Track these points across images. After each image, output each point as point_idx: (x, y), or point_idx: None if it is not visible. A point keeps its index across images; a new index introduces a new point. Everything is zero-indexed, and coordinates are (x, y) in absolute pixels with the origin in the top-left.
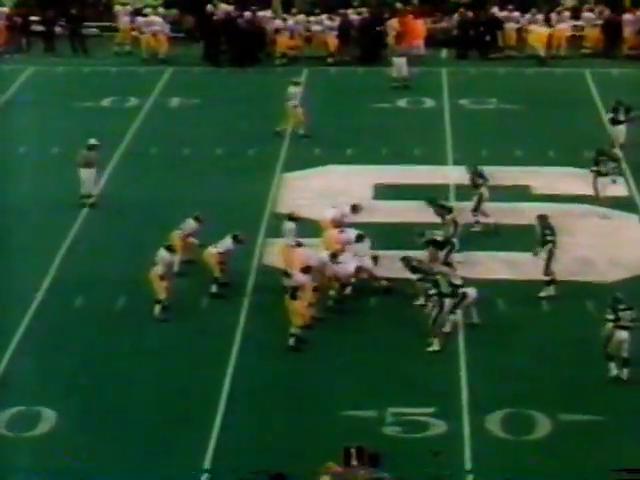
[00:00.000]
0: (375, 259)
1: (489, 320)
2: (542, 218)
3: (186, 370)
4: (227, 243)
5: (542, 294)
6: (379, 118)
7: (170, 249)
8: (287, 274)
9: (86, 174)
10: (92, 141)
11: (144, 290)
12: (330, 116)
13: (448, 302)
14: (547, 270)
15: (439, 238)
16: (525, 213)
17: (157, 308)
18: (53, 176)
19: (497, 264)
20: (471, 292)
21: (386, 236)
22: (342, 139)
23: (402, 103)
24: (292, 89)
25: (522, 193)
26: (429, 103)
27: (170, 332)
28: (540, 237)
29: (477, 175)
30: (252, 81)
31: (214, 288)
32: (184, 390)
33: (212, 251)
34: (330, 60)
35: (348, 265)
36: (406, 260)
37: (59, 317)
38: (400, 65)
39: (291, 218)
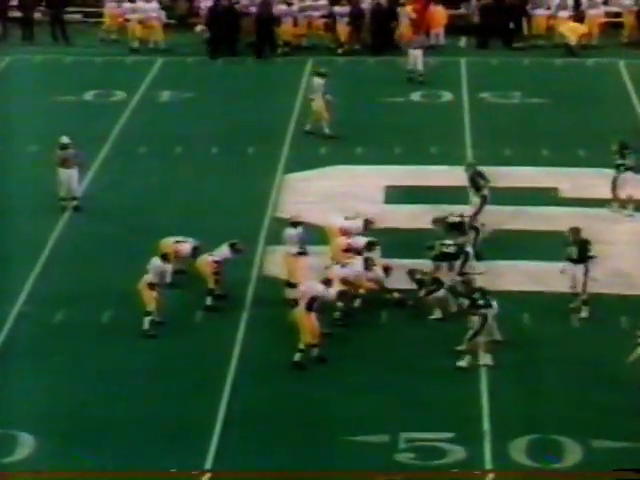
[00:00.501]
0: (387, 270)
1: (513, 337)
2: (575, 231)
3: (178, 391)
4: (224, 251)
5: (583, 314)
6: (391, 113)
7: (165, 258)
8: (290, 285)
9: (64, 175)
10: (64, 139)
11: (133, 302)
12: (337, 111)
13: (492, 314)
14: (586, 287)
15: (451, 250)
16: (552, 218)
17: (146, 321)
18: (32, 177)
19: (521, 275)
20: (492, 306)
21: (398, 244)
22: (350, 136)
23: (417, 97)
24: (316, 80)
25: (549, 196)
26: (446, 97)
27: (161, 349)
28: (577, 253)
29: (478, 175)
30: (251, 72)
31: (209, 301)
32: (176, 413)
33: (207, 259)
34: (340, 50)
35: (356, 266)
36: (411, 273)
37: (38, 333)
38: (415, 58)
39: (292, 223)
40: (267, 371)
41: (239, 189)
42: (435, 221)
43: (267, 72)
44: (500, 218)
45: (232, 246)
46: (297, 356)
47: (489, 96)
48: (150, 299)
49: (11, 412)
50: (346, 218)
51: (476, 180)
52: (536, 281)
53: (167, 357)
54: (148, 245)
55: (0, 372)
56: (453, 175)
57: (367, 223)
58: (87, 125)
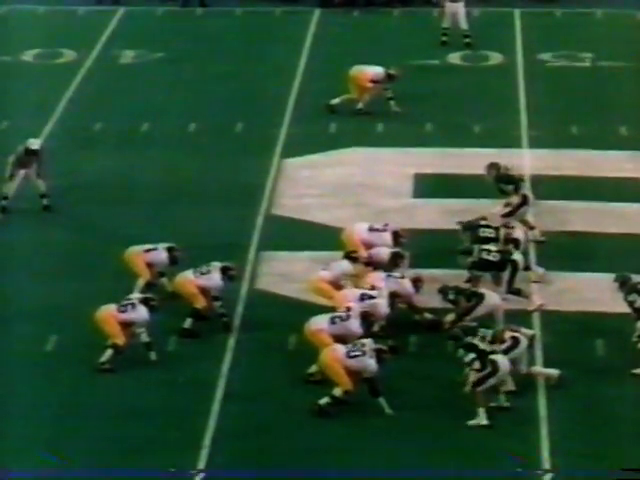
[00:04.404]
0: (416, 283)
1: (581, 368)
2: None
3: (142, 443)
4: (214, 278)
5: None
6: (423, 80)
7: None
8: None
9: (20, 174)
10: (32, 144)
11: (84, 326)
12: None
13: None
14: None
15: (494, 257)
16: (634, 218)
17: (108, 353)
18: None
19: (593, 291)
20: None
21: (431, 249)
22: (369, 110)
23: (456, 59)
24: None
25: (630, 189)
26: (495, 59)
27: (120, 386)
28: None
29: (502, 180)
30: (239, 26)
31: (188, 323)
32: (139, 472)
33: (192, 281)
34: None
35: (381, 301)
36: (444, 292)
37: None
38: (455, 14)
39: (349, 257)
40: (260, 415)
41: (224, 178)
42: (463, 227)
43: (262, 26)
44: (565, 217)
45: (224, 271)
46: (324, 400)
47: (551, 58)
48: (116, 330)
49: None
50: (370, 229)
51: (501, 187)
52: (613, 299)
53: (128, 397)
54: (105, 251)
55: None
56: (502, 161)
57: (397, 237)
58: (26, 94)
